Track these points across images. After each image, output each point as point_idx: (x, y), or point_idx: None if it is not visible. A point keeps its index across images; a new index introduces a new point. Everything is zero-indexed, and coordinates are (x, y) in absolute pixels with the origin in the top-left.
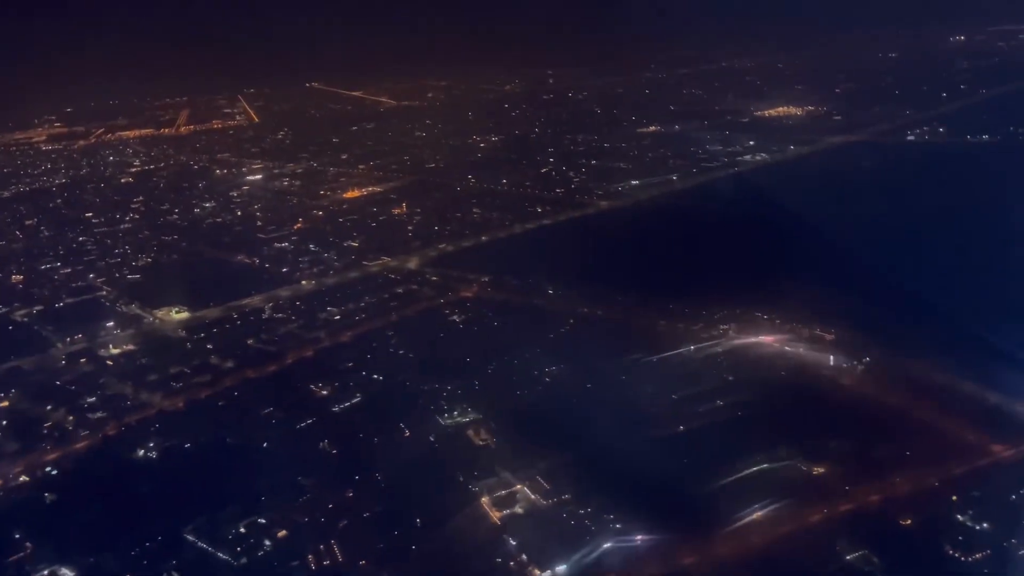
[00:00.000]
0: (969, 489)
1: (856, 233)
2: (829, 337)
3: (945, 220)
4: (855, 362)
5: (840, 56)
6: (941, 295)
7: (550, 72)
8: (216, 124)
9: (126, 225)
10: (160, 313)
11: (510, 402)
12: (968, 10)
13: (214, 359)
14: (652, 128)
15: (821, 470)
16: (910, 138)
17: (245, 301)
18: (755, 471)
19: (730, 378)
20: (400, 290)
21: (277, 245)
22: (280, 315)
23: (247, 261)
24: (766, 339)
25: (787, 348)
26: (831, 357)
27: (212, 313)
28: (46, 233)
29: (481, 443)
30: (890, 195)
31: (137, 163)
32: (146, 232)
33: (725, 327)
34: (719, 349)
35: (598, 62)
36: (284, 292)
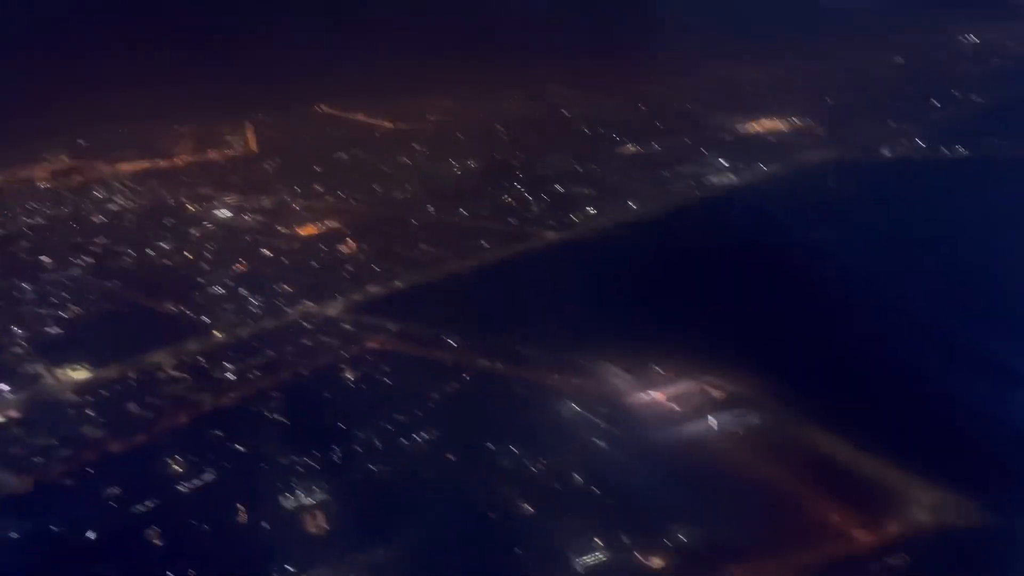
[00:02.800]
0: None
1: (790, 271)
2: (719, 395)
3: (891, 256)
4: (739, 426)
5: (845, 61)
6: (860, 347)
7: (560, 87)
8: (213, 154)
9: (75, 271)
10: (60, 373)
11: (364, 478)
12: (986, 4)
13: (87, 429)
14: (631, 148)
15: (660, 563)
16: (884, 152)
17: (150, 357)
18: (589, 562)
19: (602, 444)
20: (307, 342)
21: (210, 291)
22: (176, 373)
23: (174, 310)
24: (656, 396)
25: (675, 407)
26: (714, 420)
27: (111, 372)
28: None
29: (313, 531)
30: (839, 223)
31: (120, 200)
32: (91, 278)
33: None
34: (602, 408)
35: (607, 75)
36: (193, 345)
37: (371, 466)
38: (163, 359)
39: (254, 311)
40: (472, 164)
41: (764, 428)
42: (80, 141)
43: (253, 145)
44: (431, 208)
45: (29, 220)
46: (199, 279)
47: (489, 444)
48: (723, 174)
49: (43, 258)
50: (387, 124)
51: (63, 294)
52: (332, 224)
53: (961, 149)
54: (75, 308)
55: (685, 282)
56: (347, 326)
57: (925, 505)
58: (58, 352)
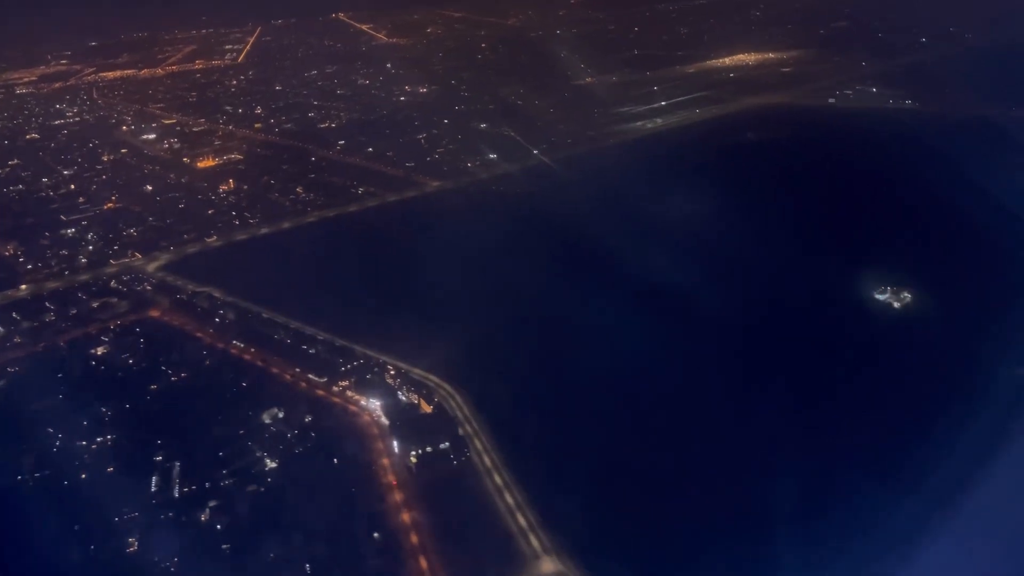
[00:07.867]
0: None
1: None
2: (427, 410)
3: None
4: (414, 452)
5: None
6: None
7: (572, 1)
8: (199, 64)
9: None
10: None
11: (17, 485)
12: None
13: None
14: (589, 79)
15: None
16: (830, 101)
17: None
18: None
19: (269, 466)
20: (96, 304)
21: (63, 232)
22: None
23: (10, 252)
24: (373, 403)
25: (383, 419)
26: (396, 442)
27: None
28: None
29: None
30: (716, 192)
31: (71, 113)
32: None
33: (344, 383)
34: (307, 418)
35: None
36: None
37: (19, 476)
38: None
39: (81, 261)
40: (424, 90)
41: (446, 459)
42: (93, 43)
43: (242, 56)
44: (341, 143)
45: None
46: (62, 217)
47: (159, 456)
48: (651, 117)
49: None
50: (382, 38)
51: None
52: (235, 156)
53: (908, 102)
54: None
55: (495, 264)
56: (147, 287)
57: None
58: None
